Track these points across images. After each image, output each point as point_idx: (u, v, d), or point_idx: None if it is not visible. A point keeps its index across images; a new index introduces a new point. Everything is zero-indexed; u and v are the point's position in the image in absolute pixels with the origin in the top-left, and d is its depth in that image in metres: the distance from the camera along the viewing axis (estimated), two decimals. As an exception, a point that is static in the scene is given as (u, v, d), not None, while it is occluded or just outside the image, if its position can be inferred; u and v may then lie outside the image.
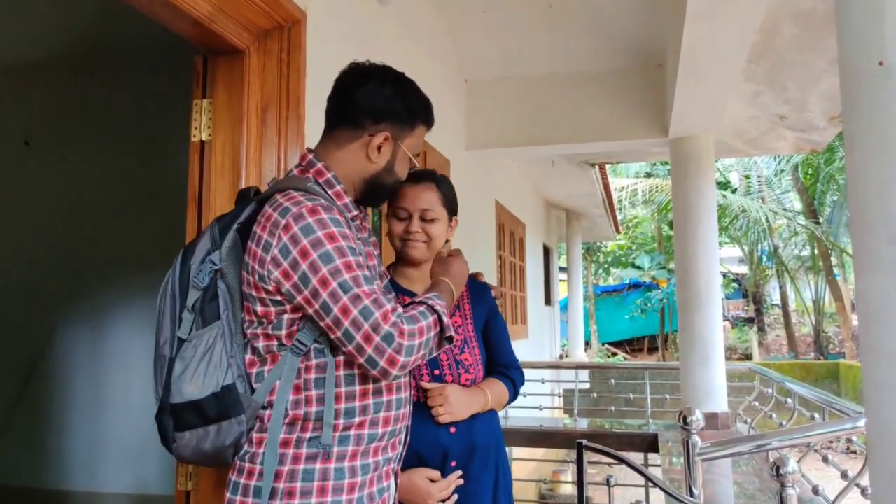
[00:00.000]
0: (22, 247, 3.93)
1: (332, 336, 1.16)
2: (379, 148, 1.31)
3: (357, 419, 1.20)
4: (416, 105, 1.36)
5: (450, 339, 1.25)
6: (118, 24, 3.19)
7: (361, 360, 1.14)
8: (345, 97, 1.34)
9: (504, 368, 1.64)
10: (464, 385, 1.52)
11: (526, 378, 1.74)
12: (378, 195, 1.41)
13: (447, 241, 1.60)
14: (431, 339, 1.20)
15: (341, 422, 1.19)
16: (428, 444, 1.45)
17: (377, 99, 1.31)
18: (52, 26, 3.47)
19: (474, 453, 1.50)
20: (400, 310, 1.18)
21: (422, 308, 1.23)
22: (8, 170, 4.00)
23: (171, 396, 1.21)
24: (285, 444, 1.18)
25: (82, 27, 3.44)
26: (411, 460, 1.43)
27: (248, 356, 1.22)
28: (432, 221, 1.53)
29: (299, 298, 1.16)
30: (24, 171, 4.00)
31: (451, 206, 1.59)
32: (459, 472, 1.47)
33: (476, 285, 1.67)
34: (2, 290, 3.91)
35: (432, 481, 1.44)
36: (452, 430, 1.48)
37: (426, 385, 1.48)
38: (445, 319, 1.23)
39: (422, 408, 1.47)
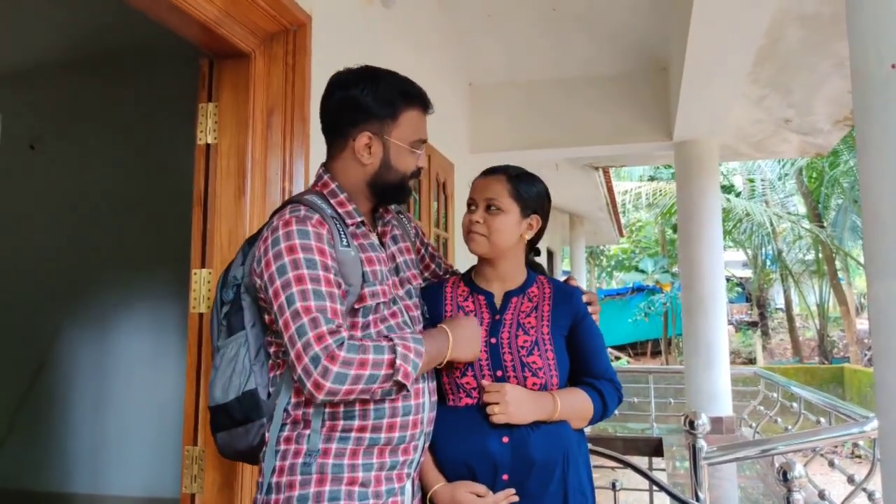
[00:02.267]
0: (27, 249, 3.94)
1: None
2: (368, 149, 1.31)
3: (357, 423, 1.22)
4: (390, 94, 1.31)
5: (401, 386, 1.18)
6: (124, 27, 3.20)
7: (296, 378, 1.16)
8: (323, 111, 1.37)
9: (593, 379, 1.43)
10: (530, 390, 1.35)
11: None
12: (391, 194, 1.37)
13: (521, 236, 1.44)
14: (379, 378, 1.15)
15: (340, 423, 1.22)
16: (476, 454, 1.31)
17: (346, 102, 1.32)
18: (59, 30, 3.48)
19: (532, 468, 1.30)
20: (344, 334, 1.15)
21: (382, 343, 1.19)
22: (13, 173, 4.01)
23: (209, 400, 1.29)
24: (287, 440, 1.23)
25: (88, 31, 3.46)
26: (460, 471, 1.32)
27: (269, 363, 1.29)
28: (496, 213, 1.40)
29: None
30: (30, 174, 4.01)
31: (527, 202, 1.43)
32: (512, 491, 1.30)
33: (563, 289, 1.49)
34: (8, 291, 3.92)
35: (479, 496, 1.29)
36: (505, 439, 1.31)
37: (485, 383, 1.34)
38: (399, 363, 1.16)
39: (475, 413, 1.34)
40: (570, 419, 1.38)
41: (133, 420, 3.64)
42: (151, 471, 3.55)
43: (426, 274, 1.57)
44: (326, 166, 1.37)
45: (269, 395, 1.26)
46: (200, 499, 1.83)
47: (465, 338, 1.30)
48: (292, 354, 1.14)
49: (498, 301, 1.45)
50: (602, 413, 1.43)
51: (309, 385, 1.12)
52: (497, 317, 1.42)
